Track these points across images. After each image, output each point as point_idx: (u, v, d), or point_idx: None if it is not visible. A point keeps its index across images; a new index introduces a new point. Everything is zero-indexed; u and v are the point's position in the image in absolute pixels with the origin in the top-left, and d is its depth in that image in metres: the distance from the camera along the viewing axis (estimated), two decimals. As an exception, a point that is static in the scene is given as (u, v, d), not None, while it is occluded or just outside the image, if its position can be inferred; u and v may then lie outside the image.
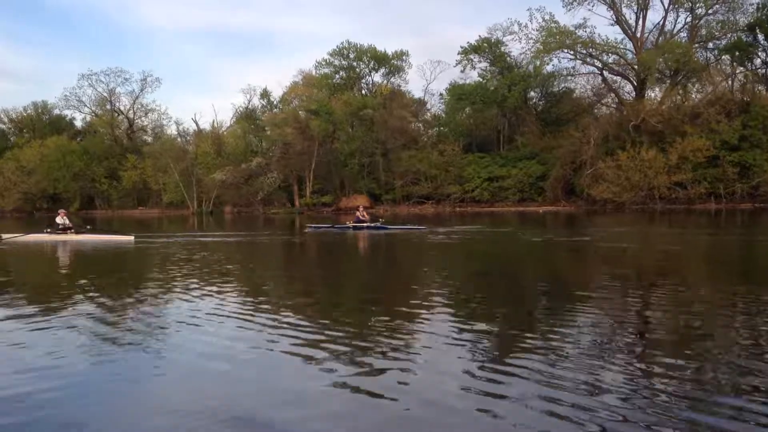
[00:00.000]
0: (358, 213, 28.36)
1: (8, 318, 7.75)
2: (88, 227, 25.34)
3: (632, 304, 8.51)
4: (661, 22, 57.73)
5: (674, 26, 58.54)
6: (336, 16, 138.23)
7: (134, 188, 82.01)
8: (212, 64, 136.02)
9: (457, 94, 65.14)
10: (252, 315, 7.69)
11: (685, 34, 58.42)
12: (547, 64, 57.51)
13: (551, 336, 6.27)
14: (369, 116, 64.98)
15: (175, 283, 10.81)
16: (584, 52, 57.08)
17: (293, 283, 11.73)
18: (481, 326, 6.86)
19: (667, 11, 56.97)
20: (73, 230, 24.35)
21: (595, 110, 66.20)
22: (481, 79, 66.76)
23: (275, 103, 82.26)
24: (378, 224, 27.13)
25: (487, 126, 71.03)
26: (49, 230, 24.29)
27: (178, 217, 62.67)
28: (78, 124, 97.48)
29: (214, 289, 10.04)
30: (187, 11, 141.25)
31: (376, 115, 65.22)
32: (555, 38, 54.87)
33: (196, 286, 10.37)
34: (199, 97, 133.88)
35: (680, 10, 57.53)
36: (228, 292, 9.93)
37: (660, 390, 4.53)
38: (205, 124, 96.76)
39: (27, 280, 13.31)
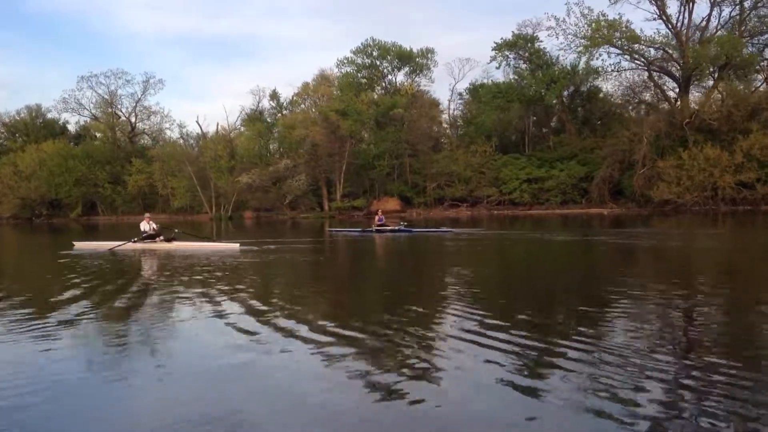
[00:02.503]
0: (377, 217, 28.11)
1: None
2: (176, 230, 22.05)
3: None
4: (707, 17, 55.44)
5: (718, 21, 56.42)
6: (320, 22, 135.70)
7: (139, 193, 78.19)
8: (196, 69, 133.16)
9: (492, 92, 62.38)
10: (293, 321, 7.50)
11: (724, 31, 56.28)
12: (596, 58, 54.76)
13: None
14: (399, 116, 61.92)
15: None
16: (627, 47, 54.59)
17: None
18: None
19: (713, 5, 54.75)
20: (162, 237, 21.11)
21: (631, 108, 64.07)
22: (516, 77, 64.22)
23: (284, 104, 79.21)
24: (401, 227, 26.63)
25: (514, 126, 68.53)
26: (135, 240, 20.98)
27: (192, 223, 59.03)
28: (72, 128, 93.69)
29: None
30: (169, 17, 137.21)
31: (407, 116, 62.30)
32: (603, 32, 52.28)
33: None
34: (183, 103, 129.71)
35: (723, 4, 55.39)
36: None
37: (706, 395, 4.40)
38: (208, 128, 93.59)
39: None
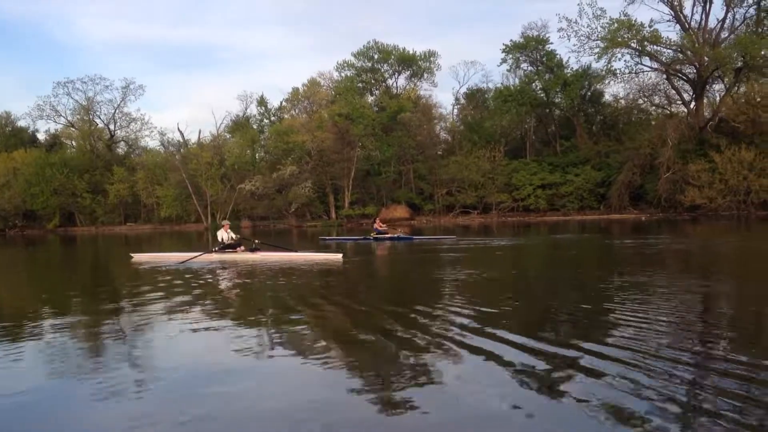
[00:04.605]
0: (376, 225, 27.65)
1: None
2: (257, 241, 19.15)
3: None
4: (722, 19, 54.37)
5: (732, 22, 55.42)
6: (283, 31, 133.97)
7: (121, 203, 74.34)
8: (156, 79, 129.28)
9: (504, 95, 60.39)
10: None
11: (739, 32, 55.35)
12: (618, 60, 53.12)
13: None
14: (406, 120, 59.47)
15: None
16: (647, 49, 53.26)
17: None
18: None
19: (728, 7, 53.72)
20: (242, 248, 18.30)
21: (638, 112, 62.89)
22: (521, 80, 62.56)
23: (272, 111, 76.52)
24: (399, 235, 26.49)
25: (518, 131, 66.96)
26: (216, 249, 18.16)
27: (185, 233, 55.52)
28: (41, 136, 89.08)
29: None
30: (128, 26, 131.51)
31: (414, 120, 59.91)
32: (622, 33, 50.79)
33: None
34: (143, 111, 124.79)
35: (739, 5, 54.36)
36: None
37: (722, 394, 4.31)
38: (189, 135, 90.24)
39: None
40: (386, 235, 26.16)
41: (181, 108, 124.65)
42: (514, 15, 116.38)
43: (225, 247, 18.14)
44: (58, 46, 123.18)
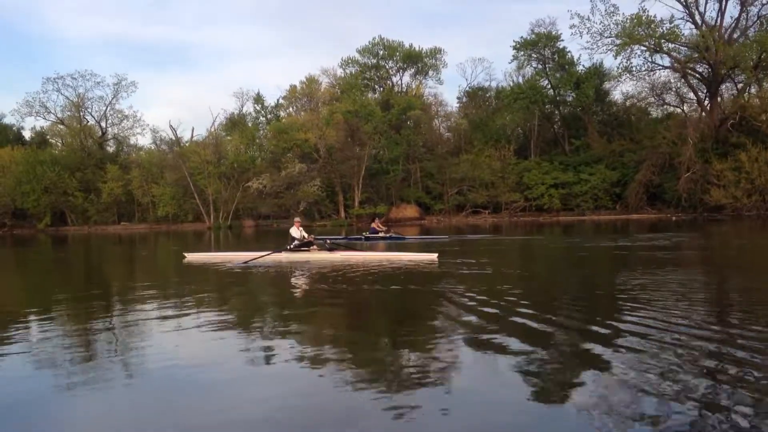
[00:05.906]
0: (373, 224, 27.68)
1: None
2: (329, 241, 17.62)
3: None
4: (737, 17, 53.82)
5: (746, 21, 54.89)
6: (254, 28, 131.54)
7: (115, 202, 72.00)
8: (141, 76, 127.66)
9: (515, 93, 59.15)
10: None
11: (754, 30, 54.86)
12: (636, 57, 52.24)
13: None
14: (416, 118, 58.11)
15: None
16: (665, 47, 52.53)
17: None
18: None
19: (743, 5, 53.14)
20: (315, 247, 16.81)
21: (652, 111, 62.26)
22: (527, 78, 61.51)
23: (269, 108, 74.98)
24: (392, 234, 26.49)
25: (522, 129, 66.02)
26: (290, 247, 16.66)
27: (183, 232, 53.62)
28: (27, 133, 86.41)
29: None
30: (101, 22, 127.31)
31: (423, 117, 58.56)
32: (639, 30, 49.95)
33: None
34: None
35: (754, 4, 53.80)
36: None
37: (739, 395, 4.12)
38: (182, 133, 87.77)
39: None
40: (378, 235, 26.03)
41: (165, 107, 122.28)
42: (513, 13, 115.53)
43: (300, 246, 16.61)
44: (31, 42, 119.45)
